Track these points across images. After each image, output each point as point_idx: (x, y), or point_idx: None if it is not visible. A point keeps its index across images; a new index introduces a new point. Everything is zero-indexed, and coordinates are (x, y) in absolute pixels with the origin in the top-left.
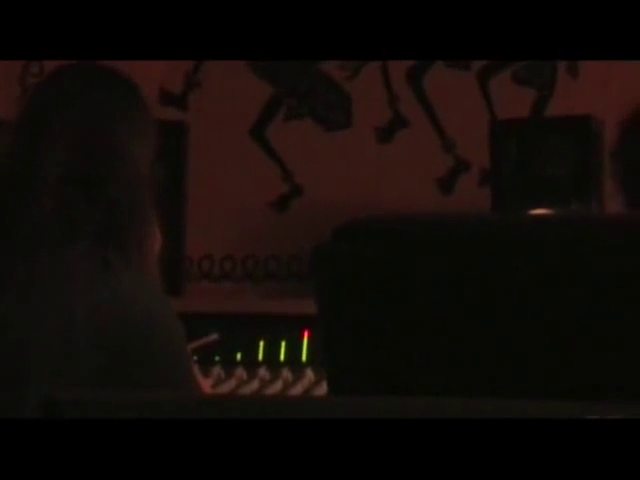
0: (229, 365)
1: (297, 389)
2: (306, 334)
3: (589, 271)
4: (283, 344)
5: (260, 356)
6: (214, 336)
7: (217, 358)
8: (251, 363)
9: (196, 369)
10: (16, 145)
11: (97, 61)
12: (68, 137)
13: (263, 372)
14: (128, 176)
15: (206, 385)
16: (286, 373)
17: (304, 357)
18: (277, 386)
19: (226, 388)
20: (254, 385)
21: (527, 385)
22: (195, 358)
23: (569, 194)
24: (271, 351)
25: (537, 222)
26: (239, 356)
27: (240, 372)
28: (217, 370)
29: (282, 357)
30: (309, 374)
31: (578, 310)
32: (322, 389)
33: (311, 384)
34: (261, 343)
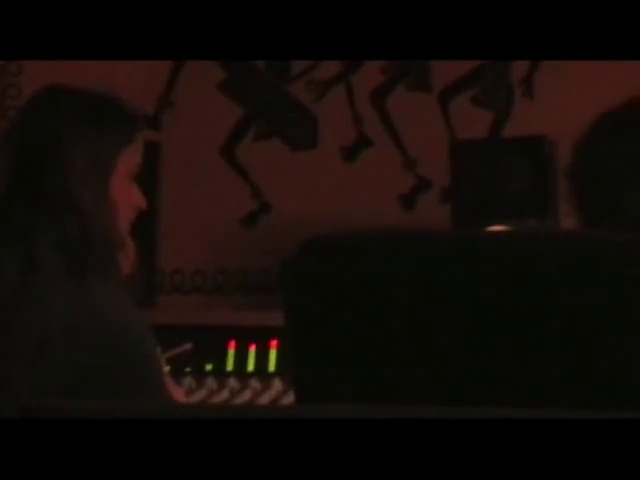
0: (200, 375)
1: (265, 398)
2: (274, 345)
3: (542, 282)
4: (252, 355)
5: (229, 366)
6: (188, 346)
7: (188, 369)
8: (221, 373)
9: (169, 378)
10: None
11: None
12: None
13: (233, 382)
14: (96, 195)
15: (181, 392)
16: (255, 383)
17: (272, 367)
18: (246, 395)
19: (197, 398)
20: (224, 395)
21: (480, 388)
22: (167, 368)
23: (525, 211)
24: (240, 362)
25: (491, 237)
26: (209, 367)
27: (210, 382)
28: (188, 380)
29: (251, 367)
30: (277, 384)
31: (520, 319)
32: (289, 398)
33: (279, 393)
34: (230, 354)
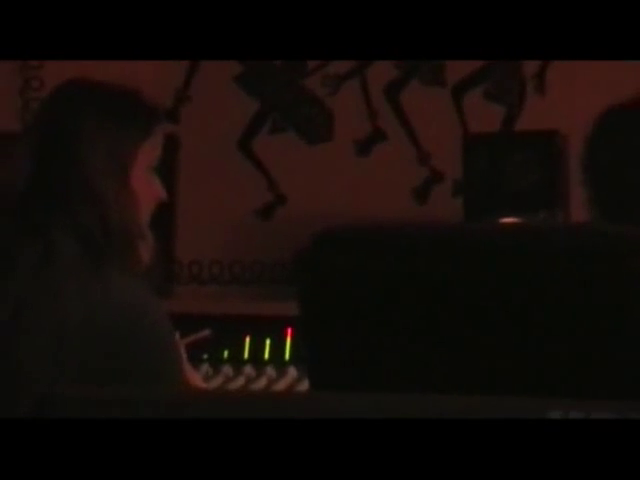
0: (216, 363)
1: (280, 385)
2: (289, 334)
3: (554, 272)
4: (267, 343)
5: (246, 354)
6: (206, 331)
7: (205, 356)
8: (237, 361)
9: (188, 365)
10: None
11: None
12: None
13: (249, 370)
14: (115, 187)
15: (198, 378)
16: (270, 371)
17: (287, 355)
18: (261, 383)
19: (214, 384)
20: (240, 381)
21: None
22: (185, 355)
23: (536, 204)
24: (256, 350)
25: (502, 230)
26: (226, 354)
27: (227, 369)
28: (205, 367)
29: (266, 355)
30: (292, 372)
31: (530, 304)
32: (304, 386)
33: (294, 381)
34: (247, 342)
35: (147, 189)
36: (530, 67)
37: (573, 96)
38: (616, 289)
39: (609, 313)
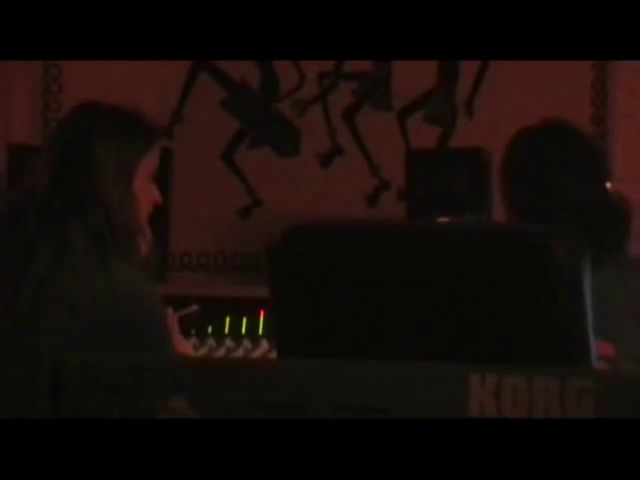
0: (202, 336)
1: (255, 355)
2: (262, 314)
3: (480, 261)
4: (244, 321)
5: (226, 330)
6: (195, 307)
7: (193, 331)
8: (219, 335)
9: (181, 336)
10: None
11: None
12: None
13: (228, 342)
14: (120, 192)
15: (189, 346)
16: (246, 343)
17: (260, 331)
18: (239, 353)
19: (200, 354)
20: (221, 352)
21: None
22: (178, 328)
23: (465, 208)
24: (235, 326)
25: (436, 228)
26: (210, 330)
27: (210, 342)
28: (193, 340)
29: (243, 331)
30: (264, 344)
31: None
32: (274, 355)
33: (265, 351)
34: (227, 320)
35: (146, 194)
36: (460, 95)
37: (495, 119)
38: (532, 276)
39: (527, 295)
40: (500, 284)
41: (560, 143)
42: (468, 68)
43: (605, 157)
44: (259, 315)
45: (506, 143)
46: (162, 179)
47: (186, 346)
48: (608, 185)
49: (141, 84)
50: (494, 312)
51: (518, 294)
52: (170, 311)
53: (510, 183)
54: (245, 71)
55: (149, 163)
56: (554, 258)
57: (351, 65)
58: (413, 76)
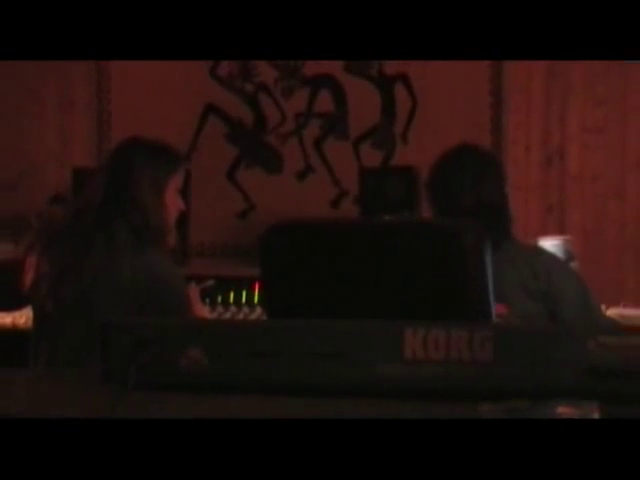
0: (214, 305)
1: (252, 318)
2: (257, 288)
3: (414, 245)
4: (244, 293)
5: (231, 300)
6: (211, 281)
7: (207, 300)
8: (226, 303)
9: (200, 304)
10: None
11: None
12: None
13: (233, 309)
14: (154, 201)
15: (206, 311)
16: (245, 309)
17: (256, 300)
18: (240, 316)
19: (213, 316)
20: (227, 315)
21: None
22: (199, 297)
23: (401, 208)
24: (237, 297)
25: (382, 223)
26: (220, 299)
27: (220, 309)
28: (207, 307)
29: (243, 300)
30: (258, 310)
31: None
32: (265, 318)
33: (259, 315)
34: (232, 293)
35: (174, 203)
36: (398, 127)
37: (423, 145)
38: (449, 256)
39: (445, 271)
40: (426, 263)
41: (464, 162)
42: (403, 107)
43: (500, 171)
44: (254, 289)
45: (430, 163)
46: (183, 191)
47: (203, 310)
48: (506, 190)
49: (168, 123)
50: (423, 283)
51: (439, 270)
52: (193, 284)
53: (432, 190)
54: (242, 113)
55: (176, 181)
56: (464, 244)
57: (319, 106)
58: (364, 114)
